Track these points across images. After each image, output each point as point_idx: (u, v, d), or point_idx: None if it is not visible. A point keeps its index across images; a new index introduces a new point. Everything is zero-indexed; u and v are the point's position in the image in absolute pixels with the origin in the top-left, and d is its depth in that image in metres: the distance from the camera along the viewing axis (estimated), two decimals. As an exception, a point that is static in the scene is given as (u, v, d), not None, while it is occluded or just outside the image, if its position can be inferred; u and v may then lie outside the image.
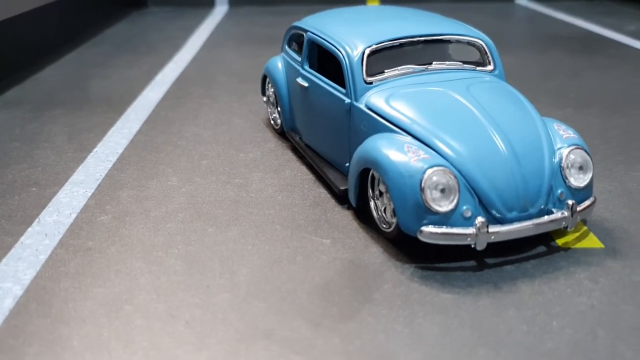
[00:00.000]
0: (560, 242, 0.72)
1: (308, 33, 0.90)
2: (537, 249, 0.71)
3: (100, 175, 0.92)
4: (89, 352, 0.56)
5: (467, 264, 0.68)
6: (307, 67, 0.90)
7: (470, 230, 0.65)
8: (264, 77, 1.09)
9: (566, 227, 0.69)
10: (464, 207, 0.66)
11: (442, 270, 0.67)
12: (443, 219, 0.65)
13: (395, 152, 0.68)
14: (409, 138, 0.70)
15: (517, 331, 0.57)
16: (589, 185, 0.71)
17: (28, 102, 1.28)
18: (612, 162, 0.94)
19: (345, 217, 0.79)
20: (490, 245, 0.68)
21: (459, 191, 0.66)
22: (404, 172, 0.66)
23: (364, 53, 0.79)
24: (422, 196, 0.65)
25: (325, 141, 0.87)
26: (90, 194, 0.86)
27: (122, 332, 0.58)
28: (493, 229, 0.65)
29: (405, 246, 0.70)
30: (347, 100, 0.79)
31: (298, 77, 0.92)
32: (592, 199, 0.72)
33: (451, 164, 0.67)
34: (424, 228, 0.65)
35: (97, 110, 1.23)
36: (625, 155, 0.97)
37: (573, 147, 0.71)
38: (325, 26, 0.88)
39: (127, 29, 2.15)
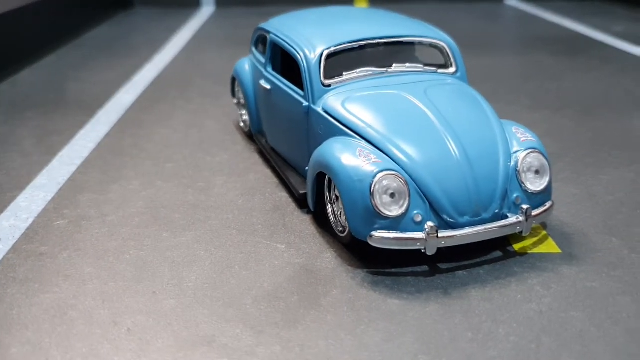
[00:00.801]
0: (517, 247, 0.71)
1: (271, 35, 0.89)
2: (492, 254, 0.70)
3: (63, 179, 0.91)
4: (27, 359, 0.55)
5: (419, 269, 0.67)
6: (269, 70, 0.89)
7: (420, 235, 0.64)
8: (233, 79, 1.08)
9: (521, 232, 0.68)
10: (415, 212, 0.65)
11: (393, 275, 0.66)
12: (393, 223, 0.65)
13: (347, 156, 0.67)
14: (363, 142, 0.69)
15: (461, 338, 0.56)
16: (547, 189, 0.70)
17: (1, 105, 1.28)
18: (581, 165, 0.93)
19: (303, 222, 0.78)
20: (444, 250, 0.67)
21: (410, 196, 0.65)
22: (354, 176, 0.65)
23: (322, 55, 0.78)
24: (372, 201, 0.64)
25: (287, 144, 0.87)
26: (50, 198, 0.85)
27: (63, 338, 0.57)
28: (443, 233, 0.64)
29: (359, 251, 0.70)
30: (305, 103, 0.78)
31: (262, 79, 0.91)
32: (549, 203, 0.71)
33: (402, 168, 0.66)
34: (374, 233, 0.65)
35: (68, 113, 1.22)
36: (595, 157, 0.96)
37: (530, 150, 0.70)
38: (287, 28, 0.87)
39: (110, 31, 2.14)
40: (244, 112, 1.06)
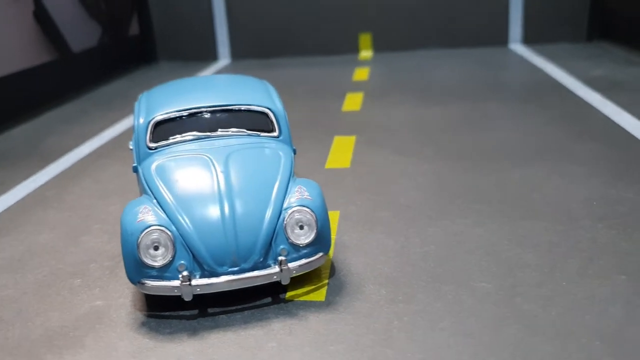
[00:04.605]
0: (288, 295, 0.79)
1: (138, 101, 1.02)
2: (263, 301, 0.78)
3: (-27, 226, 1.08)
4: None
5: (188, 313, 0.76)
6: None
7: (176, 283, 0.73)
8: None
9: (280, 281, 0.76)
10: (180, 262, 0.75)
11: (165, 318, 0.76)
12: (159, 272, 0.74)
13: (130, 213, 0.78)
14: (155, 201, 0.80)
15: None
16: (315, 242, 0.78)
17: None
18: (421, 218, 0.98)
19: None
20: (221, 295, 0.76)
21: (175, 248, 0.75)
22: (128, 230, 0.76)
23: (149, 122, 0.90)
24: (139, 253, 0.74)
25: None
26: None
27: None
28: (197, 281, 0.73)
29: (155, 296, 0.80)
30: (135, 164, 0.90)
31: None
32: (318, 255, 0.78)
33: (173, 224, 0.76)
34: (142, 280, 0.75)
35: (22, 165, 1.40)
36: (441, 210, 1.01)
37: (298, 207, 0.78)
38: (149, 96, 1.00)
39: (121, 84, 2.35)
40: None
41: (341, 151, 1.37)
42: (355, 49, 2.70)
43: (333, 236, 0.94)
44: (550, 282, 0.78)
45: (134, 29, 2.72)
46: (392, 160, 1.27)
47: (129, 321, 0.76)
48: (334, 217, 1.01)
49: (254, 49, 2.76)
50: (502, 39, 2.58)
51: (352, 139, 1.45)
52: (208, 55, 2.80)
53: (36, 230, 1.04)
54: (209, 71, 2.52)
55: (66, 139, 1.61)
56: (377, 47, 2.68)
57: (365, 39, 2.67)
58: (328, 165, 1.28)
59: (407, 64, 2.37)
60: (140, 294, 0.81)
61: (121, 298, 0.81)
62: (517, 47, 2.55)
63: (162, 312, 0.77)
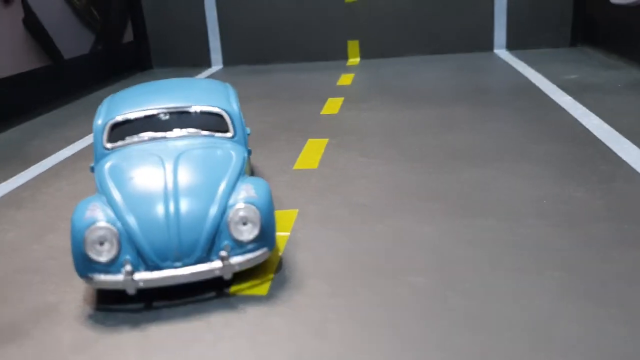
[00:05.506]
0: (233, 289, 0.81)
1: (102, 104, 1.05)
2: (207, 295, 0.81)
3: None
4: None
5: (135, 307, 0.79)
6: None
7: (119, 278, 0.76)
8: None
9: (222, 276, 0.79)
10: (125, 258, 0.78)
11: (112, 311, 0.79)
12: (105, 267, 0.78)
13: (79, 210, 0.81)
14: (105, 199, 0.83)
15: (107, 363, 0.68)
16: (258, 239, 0.81)
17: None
18: (374, 215, 1.01)
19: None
20: (169, 289, 0.79)
21: (120, 244, 0.78)
22: (76, 227, 0.79)
23: (106, 123, 0.93)
24: (85, 248, 0.77)
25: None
26: None
27: None
28: (139, 276, 0.77)
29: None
30: (92, 164, 0.93)
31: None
32: (261, 250, 0.81)
33: (120, 221, 0.79)
34: (89, 274, 0.78)
35: (2, 167, 1.44)
36: (391, 208, 1.03)
37: (243, 204, 0.81)
38: (112, 99, 1.03)
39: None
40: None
41: (312, 153, 1.39)
42: (344, 56, 2.73)
43: (287, 233, 0.97)
44: (483, 278, 0.80)
45: (128, 36, 2.77)
46: (357, 161, 1.30)
47: (76, 315, 0.79)
48: (291, 215, 1.04)
49: (246, 56, 2.80)
50: (487, 45, 2.61)
51: (324, 141, 1.48)
52: (201, 61, 2.84)
53: (4, 229, 1.08)
54: (202, 77, 2.56)
55: (49, 142, 1.65)
56: (365, 53, 2.71)
57: (353, 46, 2.70)
58: (296, 166, 1.31)
59: (392, 70, 2.40)
60: (93, 289, 0.84)
61: (74, 293, 0.84)
62: (502, 52, 2.58)
63: (110, 305, 0.80)
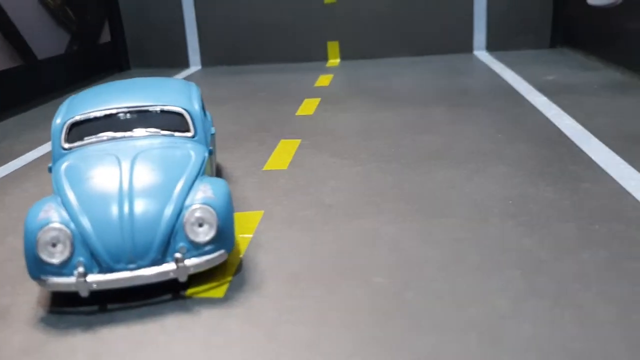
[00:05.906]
0: (189, 291, 0.80)
1: (62, 104, 1.03)
2: (163, 297, 0.79)
3: None
4: None
5: (89, 309, 0.77)
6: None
7: (72, 280, 0.75)
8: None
9: (177, 278, 0.77)
10: (78, 260, 0.76)
11: (66, 314, 0.77)
12: (58, 269, 0.76)
13: (34, 211, 0.79)
14: (59, 200, 0.81)
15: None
16: (215, 240, 0.79)
17: None
18: (338, 217, 1.00)
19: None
20: (124, 291, 0.77)
21: (73, 246, 0.76)
22: (29, 228, 0.77)
23: (64, 123, 0.91)
24: (37, 249, 0.75)
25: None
26: None
27: None
28: (92, 278, 0.75)
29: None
30: (50, 164, 0.91)
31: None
32: (218, 253, 0.79)
33: (73, 222, 0.77)
34: (41, 276, 0.76)
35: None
36: (360, 209, 1.02)
37: (199, 205, 0.79)
38: (73, 99, 1.01)
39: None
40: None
41: (283, 154, 1.38)
42: (323, 57, 2.72)
43: (250, 235, 0.96)
44: (444, 278, 0.79)
45: (106, 36, 2.75)
46: (328, 162, 1.29)
47: (28, 317, 0.77)
48: (256, 216, 1.03)
49: (225, 56, 2.78)
50: (467, 47, 2.60)
51: (297, 142, 1.47)
52: (179, 62, 2.82)
53: (-36, 232, 1.06)
54: (179, 78, 2.54)
55: (19, 143, 1.63)
56: (345, 55, 2.70)
57: (333, 47, 2.69)
58: (266, 167, 1.29)
59: (371, 71, 2.39)
60: (48, 291, 0.83)
61: (27, 295, 0.82)
62: (482, 54, 2.58)
63: (64, 308, 0.78)
